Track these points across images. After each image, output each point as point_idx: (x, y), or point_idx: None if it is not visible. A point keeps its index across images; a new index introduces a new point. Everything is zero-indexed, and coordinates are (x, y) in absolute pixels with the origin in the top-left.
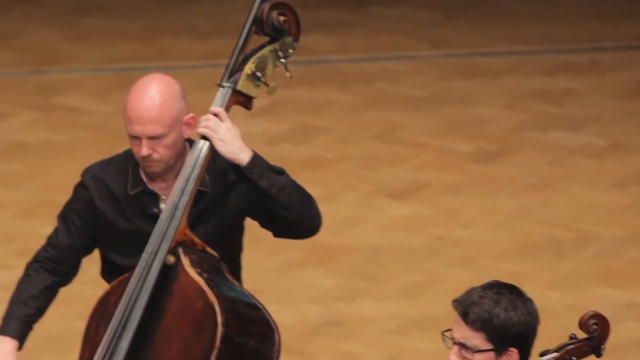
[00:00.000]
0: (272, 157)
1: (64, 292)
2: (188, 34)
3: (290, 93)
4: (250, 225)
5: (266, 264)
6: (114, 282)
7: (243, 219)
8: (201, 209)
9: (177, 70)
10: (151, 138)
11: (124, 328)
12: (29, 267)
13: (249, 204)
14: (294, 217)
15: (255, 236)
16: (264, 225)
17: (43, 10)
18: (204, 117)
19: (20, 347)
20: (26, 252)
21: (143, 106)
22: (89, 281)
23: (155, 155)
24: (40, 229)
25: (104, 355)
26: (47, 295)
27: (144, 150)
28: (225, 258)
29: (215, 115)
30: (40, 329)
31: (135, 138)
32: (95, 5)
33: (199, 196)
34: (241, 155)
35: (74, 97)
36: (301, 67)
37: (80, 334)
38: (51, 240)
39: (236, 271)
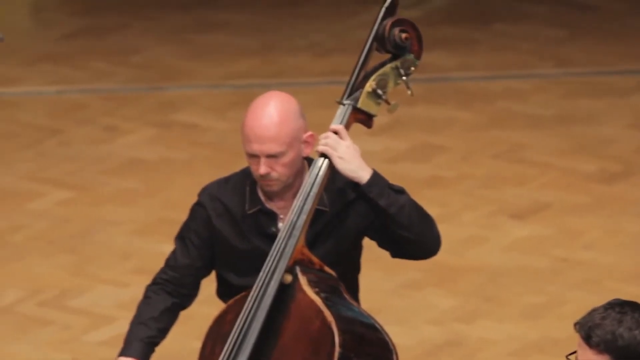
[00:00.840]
0: (392, 175)
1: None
2: (308, 51)
3: (411, 111)
4: (368, 245)
5: (384, 284)
6: (230, 301)
7: (361, 238)
8: (319, 229)
9: (296, 87)
10: (269, 156)
11: (240, 347)
12: (148, 289)
13: (368, 224)
14: (413, 237)
15: (373, 256)
16: (382, 245)
17: (162, 26)
18: (323, 135)
19: None
20: (142, 270)
21: (262, 124)
22: (205, 300)
23: (274, 174)
24: (157, 246)
25: None
26: (167, 317)
27: (262, 169)
28: (343, 278)
29: (335, 132)
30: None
31: (254, 157)
32: (214, 22)
33: (317, 215)
34: (361, 173)
35: (192, 114)
36: (422, 85)
37: (196, 353)
38: (170, 262)
39: (354, 291)
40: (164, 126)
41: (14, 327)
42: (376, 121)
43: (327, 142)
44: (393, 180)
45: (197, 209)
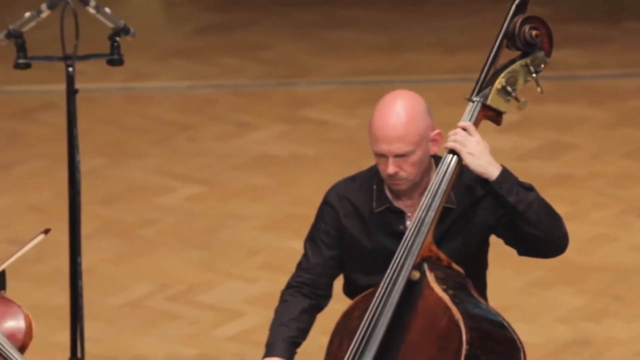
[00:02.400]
0: (521, 173)
1: None
2: (436, 48)
3: (541, 109)
4: (497, 243)
5: (513, 282)
6: (358, 297)
7: (489, 235)
8: (448, 226)
9: (424, 84)
10: (397, 156)
11: (367, 343)
12: (284, 293)
13: (495, 221)
14: (541, 234)
15: (502, 254)
16: (509, 242)
17: (292, 22)
18: (452, 132)
19: None
20: (270, 265)
21: (389, 124)
22: (332, 296)
23: (402, 173)
24: (285, 242)
25: None
26: (306, 318)
27: (391, 169)
28: (471, 275)
29: (464, 129)
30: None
31: (382, 156)
32: (343, 19)
33: (445, 213)
34: (490, 169)
35: (321, 110)
36: (552, 83)
37: (324, 349)
38: (302, 265)
39: (481, 288)
40: (294, 122)
41: (143, 321)
42: (505, 119)
43: (456, 138)
44: (522, 177)
45: (325, 208)
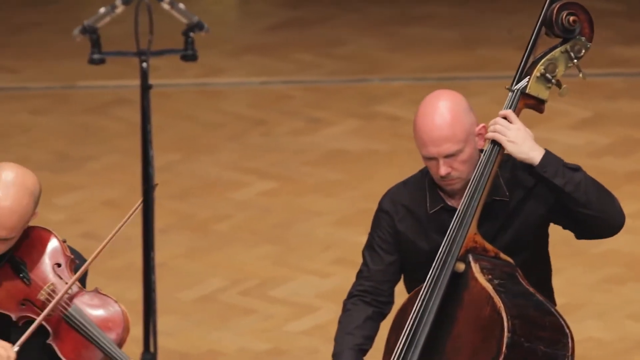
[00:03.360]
0: (594, 169)
1: None
2: (510, 44)
3: (614, 105)
4: (568, 240)
5: (585, 278)
6: (411, 293)
7: (545, 224)
8: (502, 218)
9: (498, 80)
10: (447, 157)
11: (414, 337)
12: (346, 303)
13: (549, 208)
14: (594, 214)
15: (574, 251)
16: (566, 227)
17: (366, 18)
18: (492, 121)
19: None
20: (343, 260)
21: (435, 126)
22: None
23: (454, 173)
24: (358, 237)
25: None
26: (371, 325)
27: (443, 170)
28: (530, 267)
29: (504, 117)
30: None
31: (432, 159)
32: (418, 15)
33: (497, 206)
34: (532, 154)
35: (395, 106)
36: (625, 79)
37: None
38: (363, 273)
39: (543, 280)
40: (367, 118)
41: (217, 315)
42: (578, 115)
43: (496, 127)
44: (595, 175)
45: (381, 215)
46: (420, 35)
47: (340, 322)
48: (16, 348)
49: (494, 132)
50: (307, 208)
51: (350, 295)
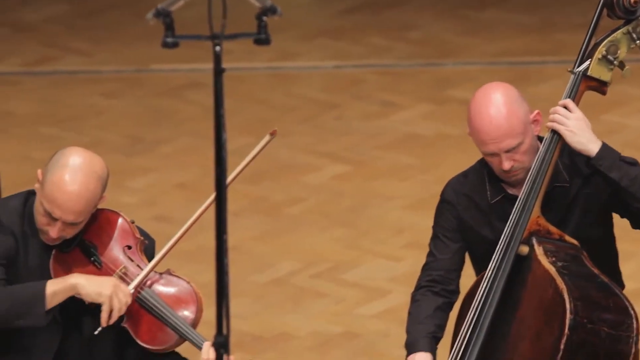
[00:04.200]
0: None
1: None
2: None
3: None
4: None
5: None
6: (478, 277)
7: (607, 211)
8: (563, 204)
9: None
10: (509, 151)
11: (479, 320)
12: (414, 295)
13: (606, 197)
14: None
15: None
16: (623, 216)
17: (440, 2)
18: (552, 110)
19: None
20: (415, 244)
21: (493, 124)
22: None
23: (517, 165)
24: (430, 222)
25: (461, 348)
26: (441, 315)
27: (506, 165)
28: (593, 251)
29: (564, 107)
30: None
31: (493, 155)
32: None
33: (558, 192)
34: (590, 146)
35: (468, 90)
36: None
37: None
38: (430, 264)
39: (608, 263)
40: (440, 102)
41: (289, 298)
42: None
43: (555, 117)
44: None
45: (444, 206)
46: (494, 18)
47: (410, 313)
48: (132, 289)
49: (553, 121)
50: (380, 192)
51: (419, 287)
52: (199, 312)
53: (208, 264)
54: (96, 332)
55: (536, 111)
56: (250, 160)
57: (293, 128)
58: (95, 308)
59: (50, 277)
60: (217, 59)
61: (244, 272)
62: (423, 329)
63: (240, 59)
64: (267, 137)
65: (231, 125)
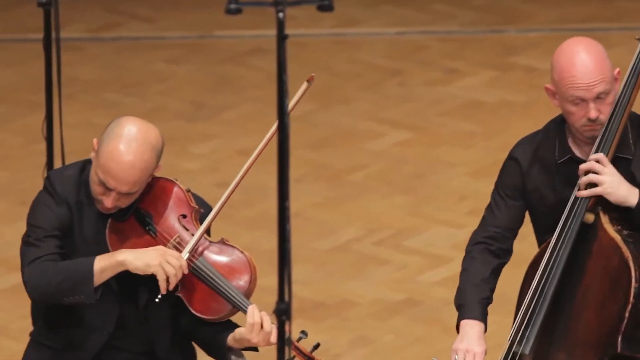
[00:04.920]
0: None
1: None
2: None
3: None
4: None
5: None
6: (542, 245)
7: None
8: (626, 177)
9: (636, 31)
10: (598, 98)
11: (544, 287)
12: (471, 250)
13: None
14: None
15: None
16: None
17: None
18: (586, 166)
19: (485, 330)
20: (477, 212)
21: (587, 67)
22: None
23: (601, 117)
24: (491, 189)
25: (525, 316)
26: (494, 277)
27: (593, 113)
28: None
29: (597, 161)
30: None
31: (579, 103)
32: None
33: (621, 163)
34: (629, 199)
35: (531, 57)
36: None
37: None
38: (488, 220)
39: None
40: (503, 69)
41: (351, 265)
42: None
43: (591, 177)
44: None
45: (510, 163)
46: None
47: (465, 269)
48: (185, 255)
49: (589, 180)
50: (442, 159)
51: (475, 241)
52: (253, 282)
53: (270, 230)
54: (157, 299)
55: (617, 69)
56: (289, 111)
57: (355, 95)
58: (152, 276)
59: (106, 246)
60: (281, 25)
61: (306, 238)
62: (478, 293)
63: (304, 25)
64: (304, 85)
65: (294, 92)
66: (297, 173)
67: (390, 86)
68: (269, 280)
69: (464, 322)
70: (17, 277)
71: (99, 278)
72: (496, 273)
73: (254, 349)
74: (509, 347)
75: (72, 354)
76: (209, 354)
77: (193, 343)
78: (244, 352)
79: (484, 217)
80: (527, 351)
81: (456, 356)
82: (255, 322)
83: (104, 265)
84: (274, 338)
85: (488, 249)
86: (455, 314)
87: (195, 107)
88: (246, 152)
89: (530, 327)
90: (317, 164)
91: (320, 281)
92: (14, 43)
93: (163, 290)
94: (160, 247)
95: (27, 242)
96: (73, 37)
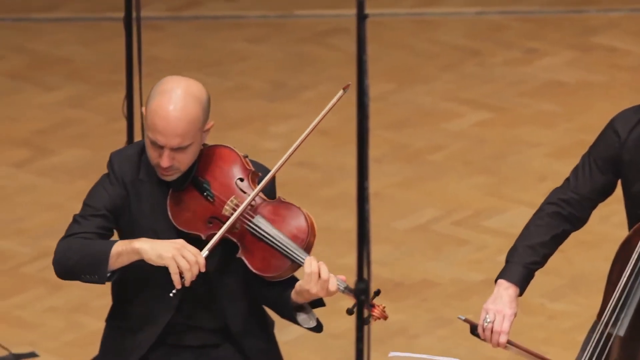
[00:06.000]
0: None
1: (592, 234)
2: None
3: None
4: None
5: None
6: (636, 225)
7: None
8: None
9: None
10: None
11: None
12: (544, 208)
13: None
14: None
15: None
16: None
17: None
18: None
19: (520, 295)
20: None
21: None
22: (620, 223)
23: None
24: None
25: (620, 296)
26: (554, 244)
27: None
28: None
29: None
30: (568, 268)
31: None
32: None
33: None
34: None
35: (612, 38)
36: None
37: (606, 275)
38: (570, 183)
39: None
40: (584, 49)
41: (431, 245)
42: None
43: None
44: None
45: (609, 132)
46: None
47: (528, 226)
48: (205, 253)
49: None
50: (522, 139)
51: (551, 200)
52: (311, 237)
53: (350, 210)
54: (171, 294)
55: None
56: (322, 117)
57: (435, 74)
58: (218, 246)
59: (167, 218)
60: (361, 4)
61: (385, 218)
62: (528, 256)
63: (384, 5)
64: (340, 92)
65: (373, 71)
66: (377, 153)
67: (469, 66)
68: (347, 259)
69: (500, 282)
70: None
71: (114, 262)
72: (558, 239)
73: (321, 303)
74: (602, 328)
75: (142, 333)
76: (281, 315)
77: (267, 311)
78: (315, 312)
79: (568, 179)
80: (621, 333)
81: (487, 315)
82: (312, 271)
83: (121, 250)
84: (332, 286)
85: (560, 213)
86: (535, 292)
87: (275, 87)
88: (325, 132)
89: (625, 309)
90: (396, 144)
91: (399, 261)
92: (95, 22)
93: (176, 284)
94: (180, 240)
95: (74, 218)
96: (153, 16)
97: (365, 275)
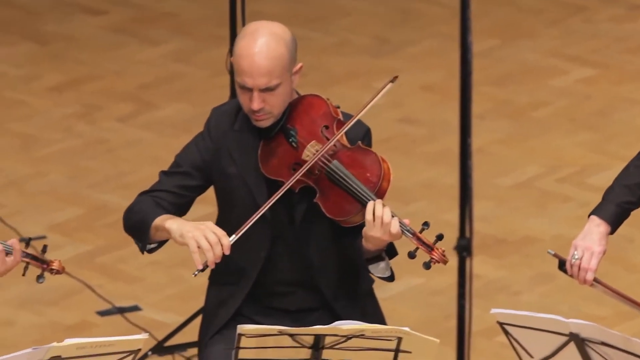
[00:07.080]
0: None
1: None
2: None
3: None
4: None
5: None
6: None
7: None
8: None
9: None
10: None
11: None
12: None
13: None
14: None
15: None
16: None
17: None
18: None
19: (611, 233)
20: None
21: None
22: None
23: None
24: None
25: None
26: None
27: None
28: None
29: None
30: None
31: None
32: None
33: None
34: None
35: None
36: None
37: None
38: None
39: None
40: None
41: (533, 202)
42: None
43: None
44: None
45: None
46: None
47: (628, 167)
48: (233, 238)
49: None
50: (627, 96)
51: None
52: (383, 181)
53: (452, 166)
54: (194, 274)
55: None
56: (369, 107)
57: (540, 30)
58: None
59: (257, 167)
60: None
61: (488, 175)
62: (624, 195)
63: None
64: (388, 85)
65: (478, 27)
66: (480, 109)
67: (575, 22)
68: (450, 215)
69: (592, 218)
70: (200, 212)
71: (153, 234)
72: None
73: (393, 252)
74: None
75: (233, 285)
76: (359, 264)
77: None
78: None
79: None
80: None
81: (575, 252)
82: (375, 215)
83: (159, 224)
84: (394, 228)
85: None
86: (638, 251)
87: (379, 42)
88: (430, 88)
89: None
90: (500, 100)
91: (502, 218)
92: None
93: (196, 264)
94: (208, 222)
95: (159, 173)
96: None
97: (467, 232)
